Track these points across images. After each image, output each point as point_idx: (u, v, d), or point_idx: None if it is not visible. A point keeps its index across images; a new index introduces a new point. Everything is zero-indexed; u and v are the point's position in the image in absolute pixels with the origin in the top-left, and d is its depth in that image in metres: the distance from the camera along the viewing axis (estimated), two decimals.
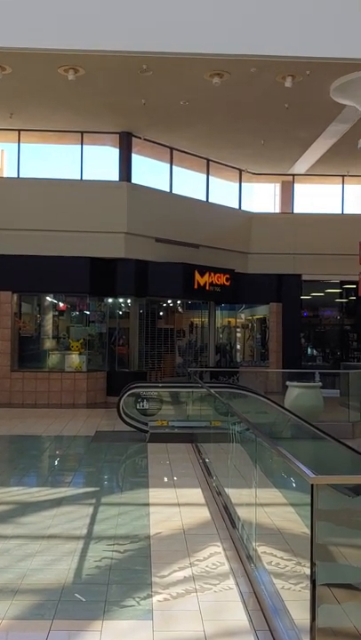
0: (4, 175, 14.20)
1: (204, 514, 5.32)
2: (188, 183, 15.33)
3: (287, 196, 16.69)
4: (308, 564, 2.58)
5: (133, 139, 13.51)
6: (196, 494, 5.95)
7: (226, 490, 5.54)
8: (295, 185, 16.58)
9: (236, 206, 16.14)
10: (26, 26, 8.05)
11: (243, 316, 17.39)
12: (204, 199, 15.26)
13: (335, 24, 8.31)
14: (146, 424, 8.99)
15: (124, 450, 8.45)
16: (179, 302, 15.42)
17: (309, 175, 16.13)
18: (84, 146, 13.52)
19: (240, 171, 15.97)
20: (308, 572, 2.61)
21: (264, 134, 13.04)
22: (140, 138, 13.51)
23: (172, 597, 3.62)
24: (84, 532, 4.85)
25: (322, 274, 15.94)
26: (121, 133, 13.38)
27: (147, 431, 8.81)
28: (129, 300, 13.93)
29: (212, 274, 14.44)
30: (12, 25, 8.04)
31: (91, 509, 5.48)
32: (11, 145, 13.78)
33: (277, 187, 17.12)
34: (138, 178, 13.85)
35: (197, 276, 14.11)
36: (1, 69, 9.67)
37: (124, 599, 3.60)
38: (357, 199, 16.62)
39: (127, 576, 3.94)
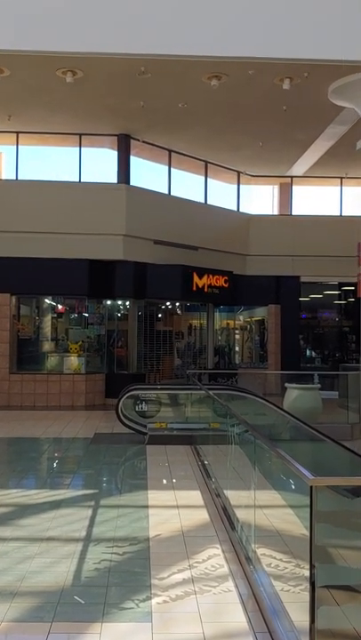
0: (3, 177, 14.20)
1: (203, 516, 5.32)
2: (187, 185, 15.35)
3: (285, 197, 16.72)
4: (308, 566, 2.58)
5: (132, 141, 13.52)
6: (195, 496, 5.95)
7: (225, 492, 5.54)
8: (293, 187, 16.60)
9: (235, 208, 16.16)
10: (24, 28, 8.06)
11: (241, 317, 17.40)
12: (203, 201, 15.28)
13: (333, 26, 8.33)
14: (145, 426, 8.99)
15: (122, 452, 8.44)
16: (177, 304, 15.42)
17: (308, 177, 16.16)
18: (82, 148, 13.54)
19: (238, 173, 16.00)
20: (307, 573, 2.61)
21: (262, 136, 13.06)
22: (138, 140, 13.53)
23: (171, 599, 3.62)
24: (83, 534, 4.84)
25: (320, 275, 15.96)
26: (119, 136, 13.39)
27: (145, 433, 8.81)
28: (127, 302, 13.93)
29: (211, 276, 14.46)
30: (11, 27, 8.06)
31: (90, 511, 5.48)
32: (9, 147, 13.78)
33: (276, 189, 17.15)
34: (136, 180, 13.87)
35: (196, 277, 14.12)
36: None
37: (123, 601, 3.60)
38: (356, 201, 16.64)
39: (126, 578, 3.94)
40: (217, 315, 16.25)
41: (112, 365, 13.59)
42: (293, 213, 16.56)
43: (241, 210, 16.24)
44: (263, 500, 4.38)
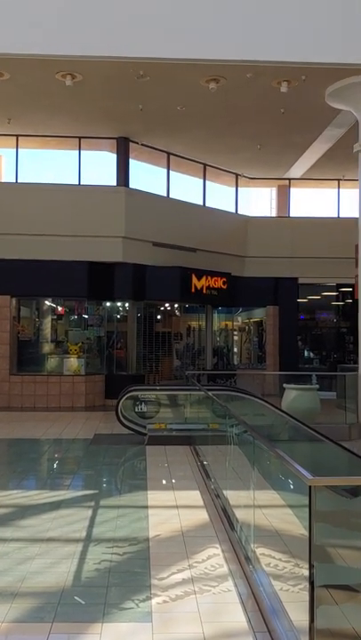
0: (3, 180, 14.22)
1: (202, 516, 5.34)
2: (185, 188, 15.39)
3: (283, 200, 16.76)
4: (307, 566, 2.60)
5: (131, 144, 13.56)
6: (194, 496, 5.97)
7: (224, 492, 5.56)
8: (291, 189, 16.65)
9: (233, 210, 16.20)
10: (23, 32, 8.10)
11: (240, 319, 17.43)
12: (201, 204, 15.32)
13: (331, 30, 8.39)
14: (144, 427, 9.01)
15: (122, 452, 8.46)
16: (176, 306, 15.45)
17: (305, 179, 16.21)
18: (81, 151, 13.57)
19: (237, 175, 16.04)
20: (306, 573, 2.62)
21: (260, 139, 13.10)
22: (137, 143, 13.57)
23: (171, 599, 3.64)
24: (84, 534, 4.86)
25: (318, 277, 16.00)
26: (118, 139, 13.43)
27: (145, 434, 8.83)
28: (127, 304, 13.96)
29: (209, 277, 14.50)
30: (10, 31, 8.09)
31: (90, 512, 5.50)
32: (9, 150, 13.81)
33: (274, 191, 17.20)
34: (135, 183, 13.90)
35: (194, 279, 14.16)
36: None
37: (123, 602, 3.61)
38: (353, 203, 16.66)
39: (126, 578, 3.96)
40: (215, 316, 16.28)
41: (112, 366, 13.62)
42: (291, 215, 16.60)
43: (239, 212, 16.27)
44: (262, 500, 4.40)
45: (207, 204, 15.43)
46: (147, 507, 5.62)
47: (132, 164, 13.86)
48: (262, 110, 11.34)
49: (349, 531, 3.41)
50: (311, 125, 11.98)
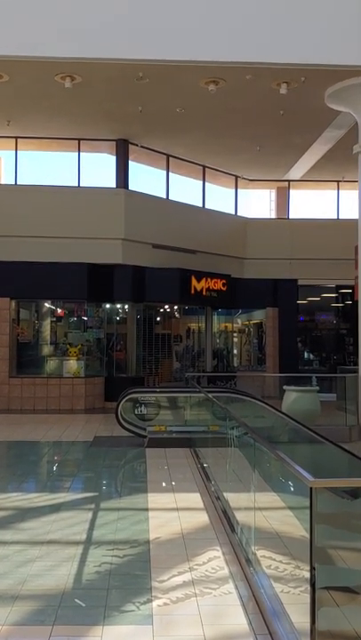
0: (2, 182, 14.23)
1: (202, 518, 5.33)
2: (185, 190, 15.41)
3: (283, 201, 16.78)
4: (308, 568, 2.59)
5: (130, 146, 13.57)
6: (194, 499, 5.96)
7: (225, 494, 5.55)
8: (291, 191, 16.66)
9: (233, 212, 16.21)
10: (23, 34, 8.11)
11: (239, 320, 17.43)
12: (201, 205, 15.33)
13: (330, 31, 8.40)
14: (144, 429, 9.00)
15: (122, 455, 8.45)
16: (176, 308, 15.46)
17: (305, 181, 16.22)
18: (81, 153, 13.58)
19: (236, 177, 16.05)
20: (307, 575, 2.62)
21: (260, 141, 13.12)
22: (136, 145, 13.58)
23: (171, 602, 3.63)
24: (84, 537, 4.85)
25: (318, 278, 16.01)
26: (118, 140, 13.44)
27: (145, 436, 8.82)
28: (126, 306, 13.96)
29: (209, 279, 14.50)
30: (9, 33, 8.10)
31: (90, 514, 5.49)
32: (8, 152, 13.82)
33: (273, 192, 17.22)
34: (135, 185, 13.92)
35: (194, 281, 14.16)
36: None
37: (123, 604, 3.61)
38: (352, 204, 16.68)
39: (127, 581, 3.95)
40: (215, 318, 16.28)
41: (111, 369, 13.61)
42: (291, 217, 16.61)
43: (239, 214, 16.29)
44: (263, 503, 4.40)
45: (207, 206, 15.44)
46: (147, 509, 5.61)
47: (132, 165, 13.87)
48: (262, 112, 11.35)
49: (350, 532, 3.41)
50: (311, 127, 11.99)
